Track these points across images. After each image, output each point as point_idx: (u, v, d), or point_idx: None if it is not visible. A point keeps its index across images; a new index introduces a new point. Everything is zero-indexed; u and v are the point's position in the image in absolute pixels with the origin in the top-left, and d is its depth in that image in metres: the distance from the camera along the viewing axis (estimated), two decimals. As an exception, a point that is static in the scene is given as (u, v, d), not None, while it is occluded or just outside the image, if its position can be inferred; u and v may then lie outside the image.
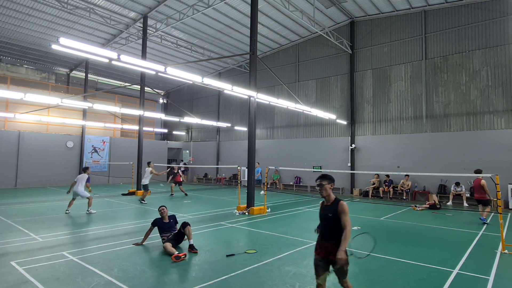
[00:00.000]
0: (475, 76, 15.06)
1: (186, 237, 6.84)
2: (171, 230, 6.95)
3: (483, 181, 9.90)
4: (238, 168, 13.60)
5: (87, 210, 11.03)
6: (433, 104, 16.10)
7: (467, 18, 15.36)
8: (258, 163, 17.29)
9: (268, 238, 7.67)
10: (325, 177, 3.75)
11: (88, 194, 11.26)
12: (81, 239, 7.46)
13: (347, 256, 3.45)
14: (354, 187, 18.37)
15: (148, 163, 14.55)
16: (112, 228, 8.58)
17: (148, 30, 17.78)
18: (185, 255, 6.07)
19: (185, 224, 6.67)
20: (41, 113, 20.05)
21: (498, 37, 14.57)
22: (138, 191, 16.51)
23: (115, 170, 23.83)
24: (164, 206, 7.10)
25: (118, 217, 10.26)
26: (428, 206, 12.84)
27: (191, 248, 6.50)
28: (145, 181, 14.30)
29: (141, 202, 13.67)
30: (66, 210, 10.98)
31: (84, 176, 11.41)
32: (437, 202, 12.81)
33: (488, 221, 10.22)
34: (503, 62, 14.43)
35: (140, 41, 18.13)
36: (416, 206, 13.03)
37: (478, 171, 10.12)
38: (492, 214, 11.08)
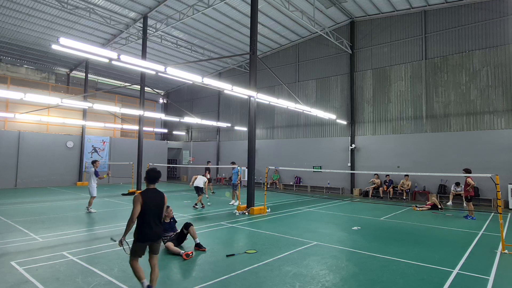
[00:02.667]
0: (475, 76, 15.06)
1: (187, 237, 6.89)
2: (172, 230, 7.00)
3: None
4: (238, 168, 13.60)
5: (87, 209, 11.07)
6: (433, 104, 16.10)
7: (467, 18, 15.35)
8: (234, 162, 14.78)
9: (268, 238, 7.67)
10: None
11: (93, 193, 11.07)
12: (81, 239, 7.45)
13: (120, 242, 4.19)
14: (354, 187, 18.37)
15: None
16: (112, 228, 8.58)
17: (148, 30, 17.78)
18: (193, 252, 6.15)
19: (188, 225, 6.71)
20: (41, 113, 20.05)
21: (498, 37, 14.57)
22: (138, 191, 16.51)
23: (115, 170, 23.80)
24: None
25: (118, 217, 10.25)
26: (429, 206, 12.80)
27: (199, 246, 6.57)
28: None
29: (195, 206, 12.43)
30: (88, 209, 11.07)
31: (91, 170, 11.16)
32: (438, 204, 12.73)
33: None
34: (503, 62, 14.43)
35: (140, 41, 18.13)
36: (416, 206, 13.02)
37: (469, 170, 10.99)
38: (493, 213, 11.09)
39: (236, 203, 13.52)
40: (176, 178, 29.41)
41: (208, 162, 18.82)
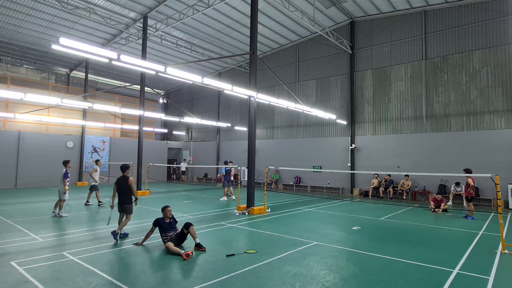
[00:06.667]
0: (475, 76, 15.06)
1: (187, 237, 6.89)
2: (172, 230, 7.01)
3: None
4: (238, 168, 13.60)
5: (57, 213, 10.08)
6: (433, 104, 16.09)
7: (467, 18, 15.35)
8: (231, 162, 15.82)
9: (268, 238, 7.68)
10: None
11: (64, 196, 10.06)
12: (81, 239, 7.46)
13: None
14: (354, 187, 18.36)
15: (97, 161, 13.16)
16: (112, 228, 8.56)
17: (148, 30, 17.78)
18: (193, 252, 6.16)
19: (188, 225, 6.71)
20: (41, 113, 20.05)
21: (498, 37, 14.57)
22: (138, 191, 16.47)
23: (115, 170, 23.79)
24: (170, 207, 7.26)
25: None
26: (446, 207, 12.48)
27: (199, 246, 6.57)
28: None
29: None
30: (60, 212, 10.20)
31: (61, 171, 10.25)
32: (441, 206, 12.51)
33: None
34: (503, 62, 14.42)
35: (140, 41, 18.12)
36: (434, 209, 12.47)
37: (470, 170, 11.02)
38: (493, 213, 11.09)
39: (223, 199, 14.88)
40: (176, 179, 29.32)
41: (229, 162, 16.52)
